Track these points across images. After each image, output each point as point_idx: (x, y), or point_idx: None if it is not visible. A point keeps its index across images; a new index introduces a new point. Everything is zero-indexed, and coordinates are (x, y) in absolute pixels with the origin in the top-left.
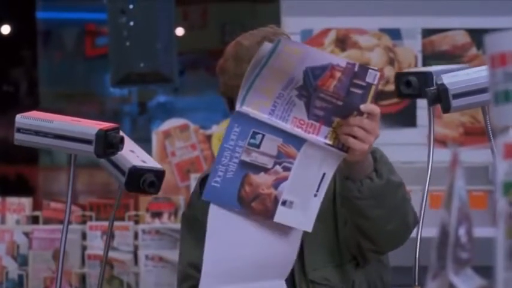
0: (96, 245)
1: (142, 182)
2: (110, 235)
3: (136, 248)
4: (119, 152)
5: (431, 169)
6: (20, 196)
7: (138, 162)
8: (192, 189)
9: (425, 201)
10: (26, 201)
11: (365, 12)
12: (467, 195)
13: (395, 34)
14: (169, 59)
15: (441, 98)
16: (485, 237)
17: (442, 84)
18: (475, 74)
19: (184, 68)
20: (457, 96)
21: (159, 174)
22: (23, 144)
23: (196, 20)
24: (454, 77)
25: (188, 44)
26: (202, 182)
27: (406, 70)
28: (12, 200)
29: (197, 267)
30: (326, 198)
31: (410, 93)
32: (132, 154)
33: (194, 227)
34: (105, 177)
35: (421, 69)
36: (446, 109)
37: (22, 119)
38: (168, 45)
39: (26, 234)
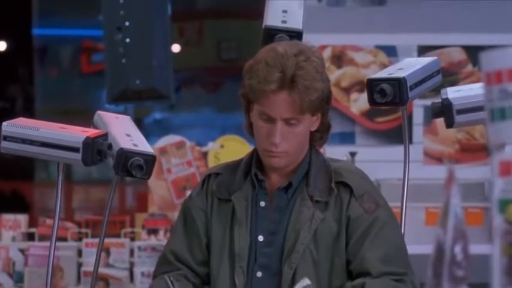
0: (92, 261)
1: (129, 165)
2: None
3: (132, 265)
4: (113, 134)
5: (407, 186)
6: (16, 213)
7: (128, 145)
8: None
9: (405, 215)
10: (22, 218)
11: (361, 29)
12: (463, 212)
13: (391, 51)
14: (165, 75)
15: (445, 113)
16: (481, 254)
17: (447, 99)
18: (480, 90)
19: (180, 84)
20: (461, 111)
21: (148, 159)
22: (10, 153)
23: (192, 37)
24: (458, 92)
25: (184, 60)
26: (208, 178)
27: (377, 76)
28: (8, 217)
29: (177, 257)
30: (328, 240)
31: (385, 102)
32: (126, 137)
33: (187, 219)
34: (101, 193)
35: (393, 74)
36: (450, 124)
37: (8, 126)
38: (164, 62)
39: (22, 251)
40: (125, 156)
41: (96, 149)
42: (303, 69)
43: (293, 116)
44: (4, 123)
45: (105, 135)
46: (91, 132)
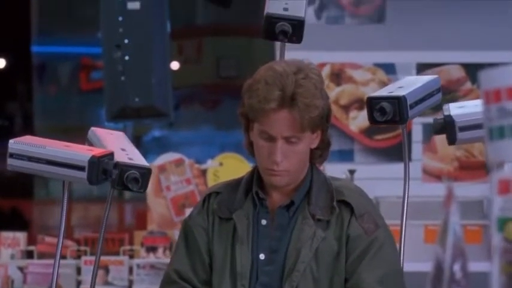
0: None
1: (125, 178)
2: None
3: (131, 283)
4: (107, 148)
5: (407, 204)
6: (15, 230)
7: (123, 159)
8: None
9: (404, 233)
10: (21, 236)
11: (360, 46)
12: (462, 230)
13: (390, 69)
14: (164, 93)
15: (447, 129)
16: (480, 272)
17: (449, 116)
18: None
19: (179, 102)
20: (464, 128)
21: (144, 172)
22: (16, 170)
23: (191, 55)
24: (461, 109)
25: (183, 78)
26: (209, 197)
27: (377, 94)
28: (6, 235)
29: (181, 275)
30: (329, 258)
31: (385, 120)
32: (121, 152)
33: (188, 237)
34: (99, 211)
35: (393, 92)
36: (452, 141)
37: (15, 144)
38: (163, 80)
39: (21, 268)
40: (120, 170)
41: (102, 168)
42: (302, 87)
43: (294, 134)
44: (11, 141)
45: (110, 155)
46: (97, 151)
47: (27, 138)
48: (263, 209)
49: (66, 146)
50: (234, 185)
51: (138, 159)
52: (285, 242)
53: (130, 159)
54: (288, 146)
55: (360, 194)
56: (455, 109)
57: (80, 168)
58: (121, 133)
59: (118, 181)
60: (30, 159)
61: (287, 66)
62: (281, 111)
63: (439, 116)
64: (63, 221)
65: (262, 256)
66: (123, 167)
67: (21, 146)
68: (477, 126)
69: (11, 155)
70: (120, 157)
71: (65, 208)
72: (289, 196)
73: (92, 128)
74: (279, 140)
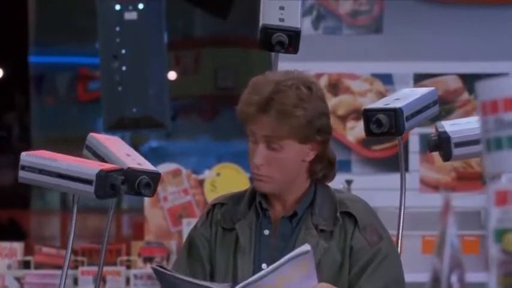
0: None
1: (137, 183)
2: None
3: None
4: (116, 155)
5: (403, 214)
6: (12, 240)
7: (133, 165)
8: (184, 235)
9: (401, 243)
10: (18, 246)
11: (357, 57)
12: (459, 241)
13: (387, 79)
14: (161, 104)
15: (442, 146)
16: (478, 282)
17: (444, 132)
18: (477, 123)
19: (177, 112)
20: (459, 145)
21: (155, 177)
22: (27, 182)
23: (189, 65)
24: (456, 125)
25: (181, 88)
26: (213, 208)
27: (374, 106)
28: (3, 245)
29: None
30: (331, 270)
31: (381, 132)
32: (128, 157)
33: (191, 247)
34: (97, 222)
35: (389, 105)
36: (447, 157)
37: (27, 156)
38: (161, 90)
39: (18, 279)
40: (133, 176)
41: (109, 183)
42: (280, 94)
43: (272, 139)
44: (23, 153)
45: (119, 170)
46: (106, 166)
47: (39, 152)
48: (266, 219)
49: (77, 160)
50: (238, 196)
51: (145, 163)
52: (288, 252)
53: (139, 164)
54: (271, 152)
55: (364, 206)
56: (449, 126)
57: (88, 182)
58: (115, 137)
59: (129, 187)
60: (41, 172)
61: (280, 75)
62: (259, 116)
63: (434, 133)
64: (72, 232)
65: (264, 266)
66: (136, 173)
67: (33, 159)
68: (471, 143)
69: (23, 167)
70: (130, 163)
71: (74, 221)
72: (292, 207)
73: (92, 134)
74: (260, 143)
